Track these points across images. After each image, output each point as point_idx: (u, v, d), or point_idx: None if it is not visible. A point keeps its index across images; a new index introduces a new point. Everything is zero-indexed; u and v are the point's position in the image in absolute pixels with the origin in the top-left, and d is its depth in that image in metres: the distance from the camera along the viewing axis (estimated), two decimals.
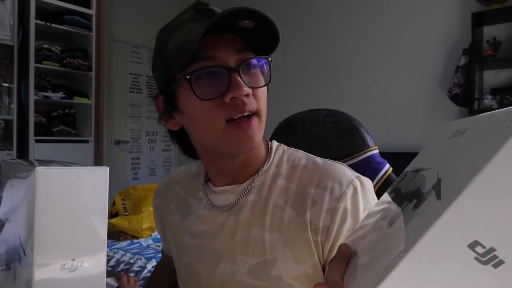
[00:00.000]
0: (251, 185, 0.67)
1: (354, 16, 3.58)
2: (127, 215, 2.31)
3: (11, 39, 3.06)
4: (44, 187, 0.42)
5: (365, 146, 0.91)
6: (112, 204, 2.38)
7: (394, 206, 0.34)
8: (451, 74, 2.99)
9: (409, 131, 3.17)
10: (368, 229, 0.37)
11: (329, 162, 0.67)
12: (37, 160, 0.55)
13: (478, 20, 2.85)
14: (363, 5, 3.54)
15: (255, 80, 0.62)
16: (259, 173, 0.67)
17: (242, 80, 0.59)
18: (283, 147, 0.72)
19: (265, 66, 0.65)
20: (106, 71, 3.96)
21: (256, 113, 0.62)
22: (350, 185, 0.62)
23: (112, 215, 2.33)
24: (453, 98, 2.94)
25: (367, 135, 0.93)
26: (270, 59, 0.64)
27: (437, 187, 0.27)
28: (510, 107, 0.27)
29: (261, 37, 0.61)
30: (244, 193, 0.67)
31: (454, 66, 2.95)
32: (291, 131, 0.98)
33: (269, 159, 0.69)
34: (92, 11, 3.55)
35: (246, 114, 0.60)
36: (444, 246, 0.23)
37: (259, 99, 0.62)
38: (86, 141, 3.58)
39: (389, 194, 0.38)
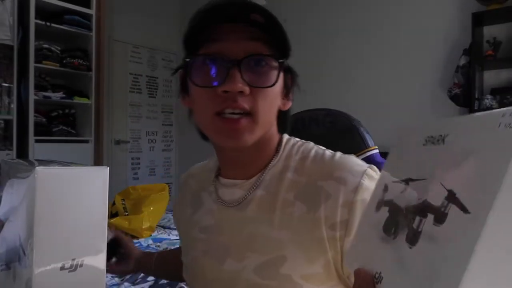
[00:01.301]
0: (259, 179, 0.65)
1: (354, 16, 3.58)
2: (127, 215, 2.31)
3: (11, 39, 3.05)
4: (44, 187, 0.42)
5: (365, 146, 0.91)
6: (112, 204, 2.38)
7: (399, 219, 0.34)
8: (451, 74, 2.99)
9: None
10: (376, 247, 0.36)
11: (339, 153, 0.65)
12: (37, 160, 0.55)
13: (478, 20, 2.85)
14: (363, 5, 3.54)
15: (260, 79, 0.59)
16: (268, 167, 0.66)
17: (241, 76, 0.57)
18: (293, 139, 0.70)
19: (275, 67, 0.60)
20: (106, 71, 3.96)
21: (249, 114, 0.59)
22: (365, 175, 0.59)
23: (112, 215, 2.32)
24: (453, 98, 2.94)
25: (367, 134, 0.93)
26: (281, 61, 0.60)
27: (454, 200, 0.28)
28: (493, 111, 0.28)
29: (275, 36, 0.59)
30: (253, 188, 0.65)
31: (454, 66, 2.95)
32: (291, 130, 0.98)
33: (279, 152, 0.67)
34: (92, 11, 3.55)
35: (236, 112, 0.58)
36: (491, 258, 0.25)
37: (259, 99, 0.59)
38: (86, 141, 3.58)
39: (380, 207, 0.38)
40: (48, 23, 3.28)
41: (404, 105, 3.27)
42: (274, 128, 0.67)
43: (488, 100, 2.78)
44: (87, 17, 3.54)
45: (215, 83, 0.58)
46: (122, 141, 4.32)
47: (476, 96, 2.84)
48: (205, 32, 0.59)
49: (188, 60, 0.60)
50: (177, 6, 4.73)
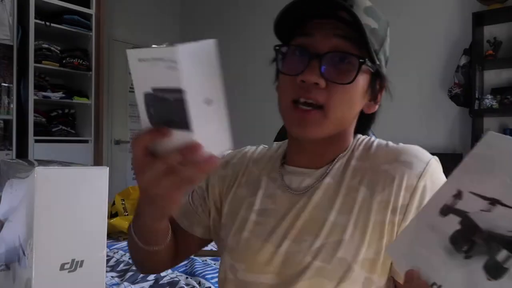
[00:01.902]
0: (328, 169, 0.67)
1: None
2: (127, 215, 2.31)
3: (11, 39, 3.05)
4: (43, 187, 0.42)
5: None
6: (112, 204, 2.38)
7: (476, 240, 0.31)
8: (452, 74, 2.99)
9: (409, 131, 3.17)
10: (438, 256, 0.35)
11: (403, 144, 0.67)
12: (36, 160, 0.55)
13: (479, 20, 2.85)
14: None
15: (338, 75, 0.60)
16: (337, 158, 0.68)
17: (320, 69, 0.59)
18: (361, 135, 0.72)
19: (355, 66, 0.60)
20: (106, 71, 3.96)
21: (321, 107, 0.60)
22: (430, 162, 0.61)
23: (112, 215, 2.32)
24: (454, 98, 2.94)
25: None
26: (362, 60, 0.60)
27: None
28: None
29: (361, 37, 0.59)
30: (322, 177, 0.67)
31: (455, 66, 2.95)
32: None
33: (348, 147, 0.69)
34: (92, 11, 3.55)
35: (309, 102, 0.60)
36: None
37: (334, 95, 0.60)
38: (86, 141, 3.58)
39: (447, 213, 0.36)
40: (47, 23, 3.28)
41: (404, 105, 3.27)
42: (351, 128, 0.69)
43: (488, 100, 2.78)
44: (87, 16, 3.54)
45: (294, 72, 0.61)
46: (122, 141, 4.31)
47: (477, 96, 2.84)
48: (295, 25, 0.63)
49: (277, 48, 0.65)
50: (177, 6, 4.72)
